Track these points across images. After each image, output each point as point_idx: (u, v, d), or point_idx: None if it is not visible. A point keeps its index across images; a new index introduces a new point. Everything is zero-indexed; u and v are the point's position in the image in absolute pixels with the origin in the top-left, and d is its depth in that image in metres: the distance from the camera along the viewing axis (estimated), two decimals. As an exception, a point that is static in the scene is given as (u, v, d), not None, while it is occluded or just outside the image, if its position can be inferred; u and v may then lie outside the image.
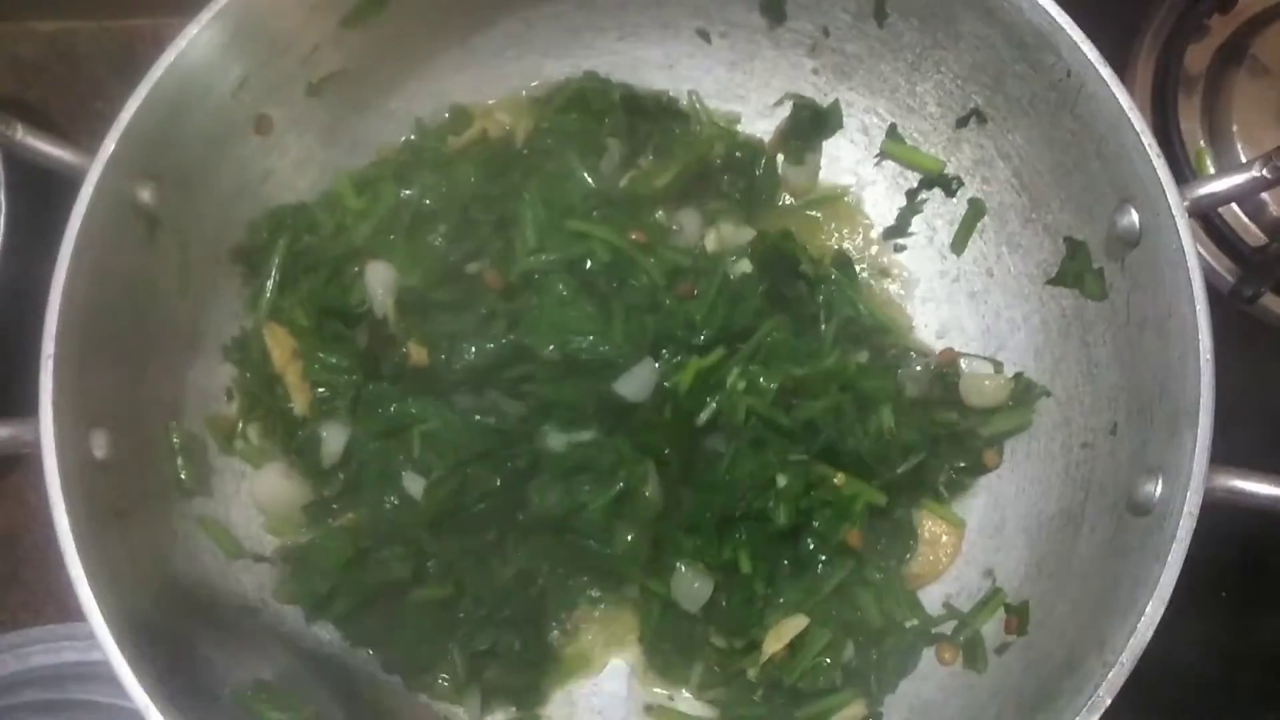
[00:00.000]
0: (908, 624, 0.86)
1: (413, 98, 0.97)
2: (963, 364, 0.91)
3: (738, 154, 0.98)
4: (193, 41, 0.79)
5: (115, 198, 0.77)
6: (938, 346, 0.94)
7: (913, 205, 0.97)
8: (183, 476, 0.85)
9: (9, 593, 1.03)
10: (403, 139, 0.98)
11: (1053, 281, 0.88)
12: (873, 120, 0.98)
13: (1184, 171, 1.07)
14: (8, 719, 0.92)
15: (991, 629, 0.83)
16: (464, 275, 0.90)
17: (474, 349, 0.85)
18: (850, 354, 0.89)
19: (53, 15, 1.15)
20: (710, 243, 0.95)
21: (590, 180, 0.93)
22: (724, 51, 0.99)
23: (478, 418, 0.86)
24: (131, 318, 0.81)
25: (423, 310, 0.88)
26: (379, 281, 0.88)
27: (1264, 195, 1.05)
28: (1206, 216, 1.06)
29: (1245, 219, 1.07)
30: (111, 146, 0.76)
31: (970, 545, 0.89)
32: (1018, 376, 0.89)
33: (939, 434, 0.88)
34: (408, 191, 0.92)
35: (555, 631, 0.90)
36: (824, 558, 0.85)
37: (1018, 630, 0.81)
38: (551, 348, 0.83)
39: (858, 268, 0.96)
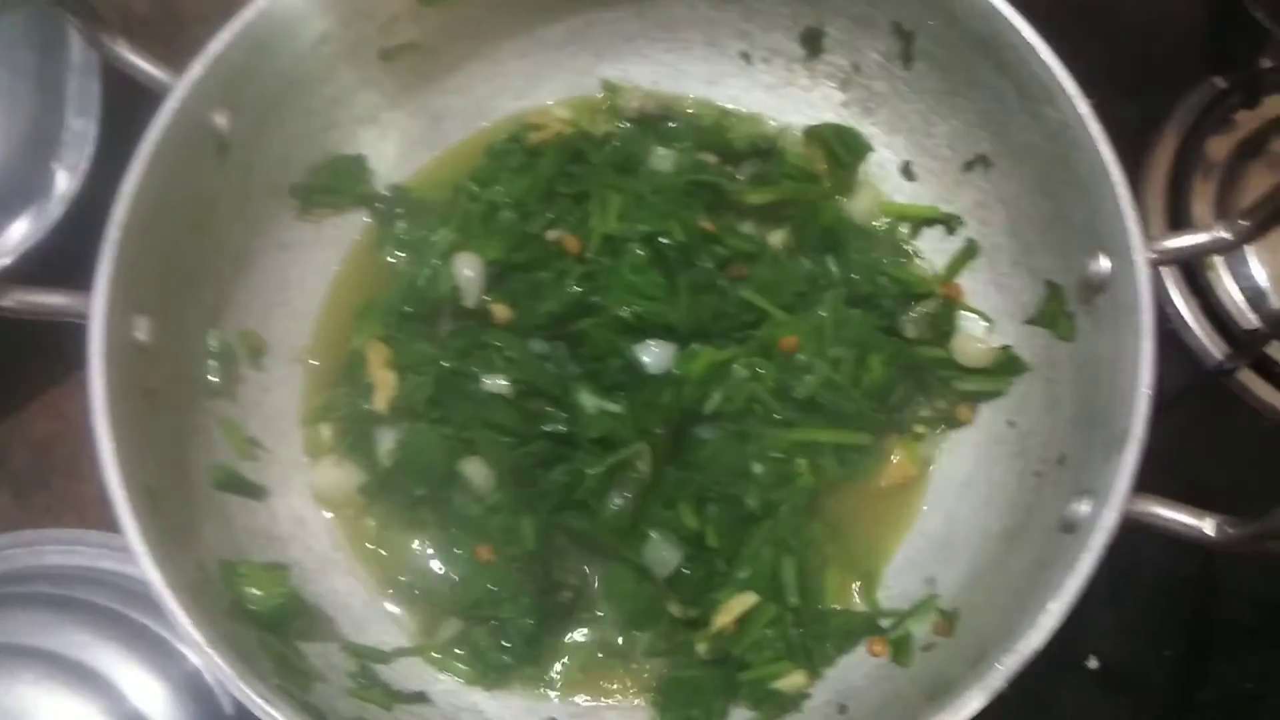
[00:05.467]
0: (856, 610, 0.92)
1: (475, 77, 1.06)
2: (960, 319, 0.99)
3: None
4: (288, -10, 0.89)
5: (193, 116, 0.86)
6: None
7: (914, 233, 1.04)
8: (212, 378, 0.93)
9: (35, 496, 1.10)
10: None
11: (1029, 321, 0.94)
12: (889, 155, 1.05)
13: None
14: (20, 606, 1.00)
15: (922, 629, 0.88)
16: (542, 241, 0.98)
17: (550, 300, 0.93)
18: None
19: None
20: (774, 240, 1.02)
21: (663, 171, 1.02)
22: (763, 75, 1.07)
23: (548, 365, 0.94)
24: (190, 227, 0.90)
25: (503, 274, 0.97)
26: (468, 271, 0.95)
27: (1266, 285, 1.10)
28: (1207, 301, 1.12)
29: (1248, 312, 1.12)
30: (198, 70, 0.85)
31: (918, 552, 0.94)
32: (1005, 348, 0.95)
33: (921, 365, 0.95)
34: (495, 190, 1.00)
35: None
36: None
37: (946, 633, 0.86)
38: (626, 310, 0.92)
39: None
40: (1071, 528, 0.77)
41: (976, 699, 0.70)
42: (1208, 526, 0.71)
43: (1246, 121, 1.20)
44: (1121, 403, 0.77)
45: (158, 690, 0.95)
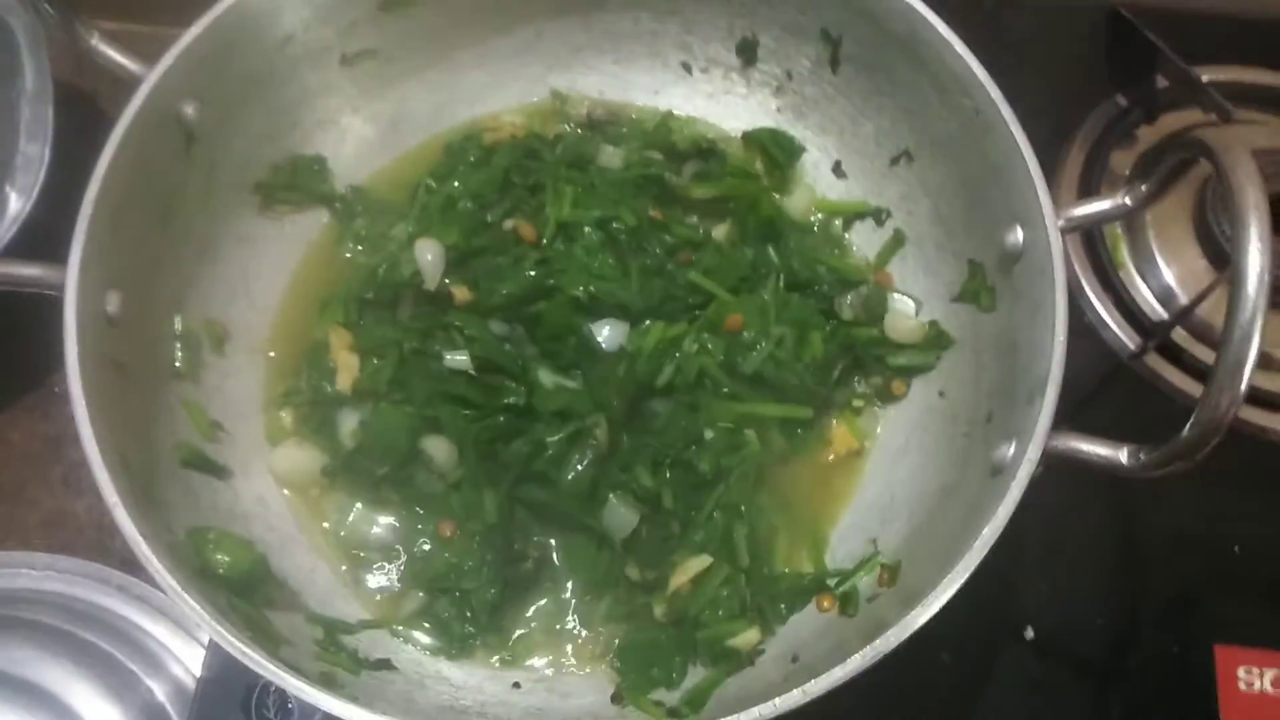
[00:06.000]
0: (805, 571, 0.96)
1: (431, 85, 1.12)
2: (892, 300, 1.05)
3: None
4: (258, -9, 0.94)
5: (164, 104, 0.90)
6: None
7: (847, 226, 1.11)
8: (177, 364, 0.96)
9: (-21, 523, 1.11)
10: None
11: (956, 299, 1.01)
12: (820, 155, 1.12)
13: (1099, 251, 1.23)
14: (-38, 628, 1.00)
15: (867, 583, 0.92)
16: (499, 229, 1.02)
17: (508, 283, 0.98)
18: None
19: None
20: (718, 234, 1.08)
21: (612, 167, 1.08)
22: (703, 84, 1.15)
23: (507, 346, 0.98)
24: (157, 215, 0.93)
25: (463, 259, 1.01)
26: (429, 256, 1.00)
27: (1175, 287, 1.20)
28: (1120, 298, 1.21)
29: (1159, 308, 1.20)
30: (170, 61, 0.89)
31: (861, 517, 0.99)
32: (933, 323, 1.02)
33: (857, 344, 1.02)
34: (452, 184, 1.06)
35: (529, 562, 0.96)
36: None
37: (889, 583, 0.90)
38: (580, 290, 0.97)
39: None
40: (999, 470, 0.83)
41: (924, 615, 0.74)
42: (1123, 455, 0.76)
43: (1147, 136, 1.30)
44: (1040, 353, 0.83)
45: (110, 711, 0.97)
